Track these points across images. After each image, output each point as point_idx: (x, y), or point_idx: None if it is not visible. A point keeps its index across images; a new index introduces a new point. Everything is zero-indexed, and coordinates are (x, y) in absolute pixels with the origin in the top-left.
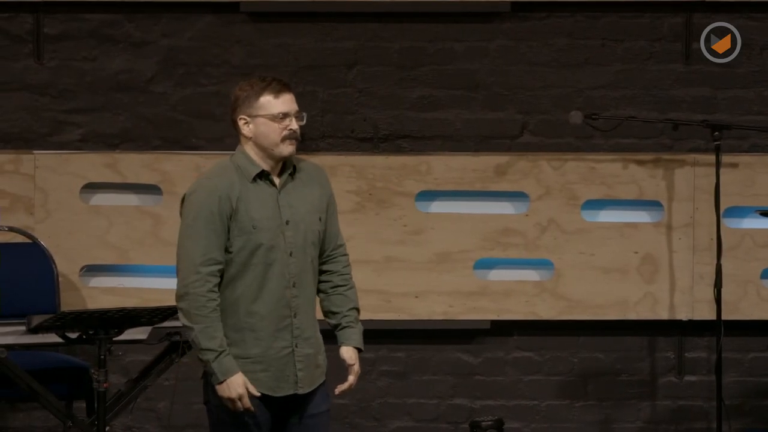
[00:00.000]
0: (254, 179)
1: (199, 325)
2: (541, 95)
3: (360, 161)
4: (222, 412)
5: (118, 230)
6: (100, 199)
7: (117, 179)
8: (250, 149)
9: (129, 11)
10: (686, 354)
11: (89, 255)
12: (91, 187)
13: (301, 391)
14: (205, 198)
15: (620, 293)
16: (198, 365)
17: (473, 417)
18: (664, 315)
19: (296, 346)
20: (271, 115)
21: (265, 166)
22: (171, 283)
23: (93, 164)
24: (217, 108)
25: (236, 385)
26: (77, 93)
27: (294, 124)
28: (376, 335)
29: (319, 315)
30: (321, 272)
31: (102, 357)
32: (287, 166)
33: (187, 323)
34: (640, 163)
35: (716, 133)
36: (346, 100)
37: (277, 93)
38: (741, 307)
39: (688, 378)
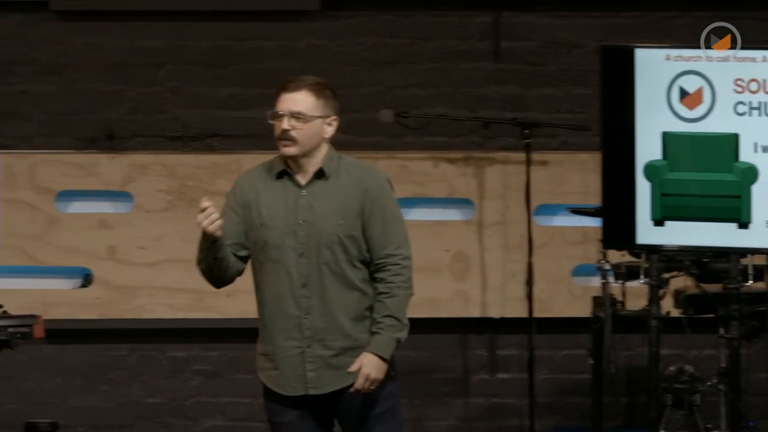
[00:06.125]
0: (280, 177)
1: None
2: (351, 94)
3: (170, 160)
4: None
5: None
6: None
7: None
8: None
9: None
10: (498, 351)
11: None
12: None
13: (312, 392)
14: (230, 190)
15: (432, 291)
16: None
17: None
18: (475, 313)
19: (307, 347)
20: (271, 114)
21: (290, 165)
22: None
23: None
24: (26, 107)
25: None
26: None
27: (285, 124)
28: (189, 334)
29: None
30: (374, 279)
31: None
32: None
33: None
34: (450, 161)
35: (526, 131)
36: (156, 99)
37: (278, 92)
38: (552, 305)
39: (501, 375)
